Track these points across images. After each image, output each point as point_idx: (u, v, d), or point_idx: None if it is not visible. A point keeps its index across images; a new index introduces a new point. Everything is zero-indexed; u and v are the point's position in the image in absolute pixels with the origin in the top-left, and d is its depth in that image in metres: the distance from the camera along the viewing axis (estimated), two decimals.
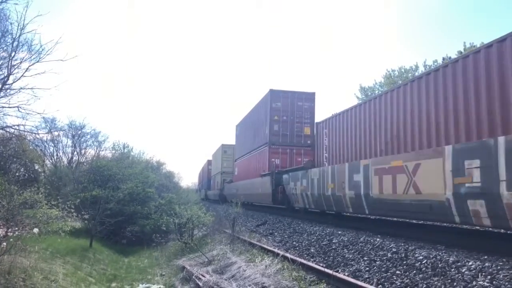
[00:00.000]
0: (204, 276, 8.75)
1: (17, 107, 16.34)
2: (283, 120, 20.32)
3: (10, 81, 16.25)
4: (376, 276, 6.46)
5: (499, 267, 5.53)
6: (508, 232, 8.31)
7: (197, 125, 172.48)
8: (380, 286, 6.12)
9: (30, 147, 23.32)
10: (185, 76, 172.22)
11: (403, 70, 30.89)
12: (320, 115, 40.10)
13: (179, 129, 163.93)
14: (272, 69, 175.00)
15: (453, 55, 26.52)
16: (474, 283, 5.25)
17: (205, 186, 51.57)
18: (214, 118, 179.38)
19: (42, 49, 16.21)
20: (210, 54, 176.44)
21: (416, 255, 6.92)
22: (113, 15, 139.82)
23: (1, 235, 7.28)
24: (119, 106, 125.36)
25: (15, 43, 15.95)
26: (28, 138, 20.79)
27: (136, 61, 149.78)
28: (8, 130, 17.76)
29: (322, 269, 7.10)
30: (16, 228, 7.73)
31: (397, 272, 6.39)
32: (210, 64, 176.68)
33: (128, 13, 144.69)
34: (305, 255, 8.89)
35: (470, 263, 5.91)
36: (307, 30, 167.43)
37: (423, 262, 6.44)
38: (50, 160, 27.59)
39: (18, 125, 17.61)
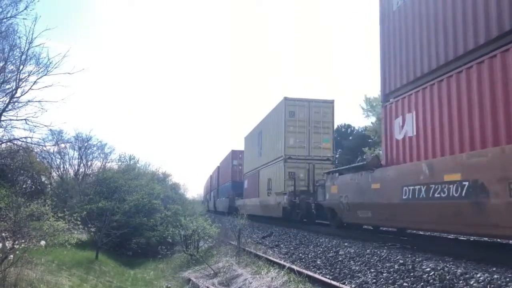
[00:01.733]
0: None
1: (25, 119, 16.62)
2: None
3: (18, 94, 16.58)
4: None
5: (508, 279, 5.46)
6: None
7: (202, 138, 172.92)
8: None
9: (37, 159, 23.48)
10: (192, 86, 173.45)
11: None
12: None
13: (184, 141, 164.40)
14: (274, 75, 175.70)
15: None
16: None
17: (228, 193, 31.79)
18: (219, 130, 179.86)
19: (50, 63, 16.51)
20: (217, 63, 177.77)
21: (424, 266, 6.85)
22: (117, 24, 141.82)
23: (8, 247, 7.31)
24: (125, 118, 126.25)
25: (23, 57, 16.29)
26: (35, 150, 21.02)
27: (141, 72, 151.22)
28: (15, 142, 17.98)
29: (329, 281, 7.04)
30: (23, 241, 7.76)
31: (405, 284, 6.33)
32: (217, 73, 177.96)
33: (132, 21, 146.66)
34: (312, 267, 8.82)
35: (478, 275, 5.84)
36: (308, 35, 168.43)
37: (431, 274, 6.38)
38: (57, 172, 27.70)
39: (25, 138, 17.87)
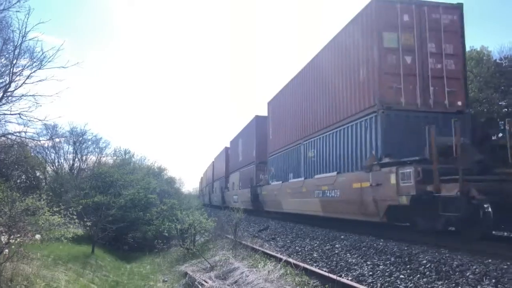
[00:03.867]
0: (206, 282, 8.71)
1: (19, 114, 16.41)
2: None
3: (11, 88, 16.34)
4: (380, 280, 6.42)
5: (503, 271, 5.51)
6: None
7: (197, 132, 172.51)
8: None
9: (32, 154, 23.30)
10: (187, 82, 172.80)
11: None
12: None
13: (179, 135, 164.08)
14: (274, 70, 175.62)
15: None
16: (479, 287, 5.22)
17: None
18: (213, 124, 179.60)
19: (44, 56, 16.31)
20: (210, 57, 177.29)
21: (420, 259, 6.89)
22: (115, 18, 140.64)
23: (3, 242, 7.26)
24: (120, 111, 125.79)
25: (17, 51, 16.04)
26: (30, 145, 20.83)
27: (136, 66, 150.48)
28: (9, 137, 17.80)
29: (326, 274, 7.06)
30: (18, 235, 7.71)
31: (401, 276, 6.36)
32: (210, 68, 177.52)
33: (129, 13, 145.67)
34: (308, 260, 8.85)
35: (474, 267, 5.89)
36: (308, 31, 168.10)
37: (427, 266, 6.42)
38: (52, 167, 27.53)
39: (19, 132, 17.68)
